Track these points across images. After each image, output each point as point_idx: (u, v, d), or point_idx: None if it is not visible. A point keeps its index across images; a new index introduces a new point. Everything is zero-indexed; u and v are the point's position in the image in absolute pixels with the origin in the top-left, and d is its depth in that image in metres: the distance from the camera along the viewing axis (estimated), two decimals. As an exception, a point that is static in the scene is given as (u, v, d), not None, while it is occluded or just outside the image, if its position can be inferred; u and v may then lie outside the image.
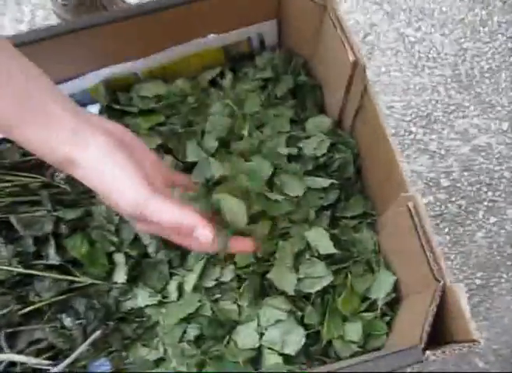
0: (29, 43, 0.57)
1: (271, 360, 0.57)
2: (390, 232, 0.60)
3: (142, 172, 0.42)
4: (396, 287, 0.60)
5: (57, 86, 0.44)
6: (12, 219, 0.56)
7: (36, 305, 0.57)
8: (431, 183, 1.09)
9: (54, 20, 1.15)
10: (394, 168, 0.55)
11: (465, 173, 1.09)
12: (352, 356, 0.57)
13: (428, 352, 0.44)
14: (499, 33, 1.19)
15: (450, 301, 0.48)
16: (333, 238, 0.59)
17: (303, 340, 0.56)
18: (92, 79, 0.68)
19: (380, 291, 0.59)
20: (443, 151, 1.10)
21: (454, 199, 1.07)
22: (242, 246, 0.50)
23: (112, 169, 0.40)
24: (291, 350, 0.56)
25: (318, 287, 0.58)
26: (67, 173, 0.42)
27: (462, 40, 1.18)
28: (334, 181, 0.62)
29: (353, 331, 0.58)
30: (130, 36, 0.62)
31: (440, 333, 0.49)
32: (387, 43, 1.17)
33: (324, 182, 0.61)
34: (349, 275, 0.60)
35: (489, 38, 1.18)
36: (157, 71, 0.69)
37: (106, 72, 0.67)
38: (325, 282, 0.58)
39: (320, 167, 0.64)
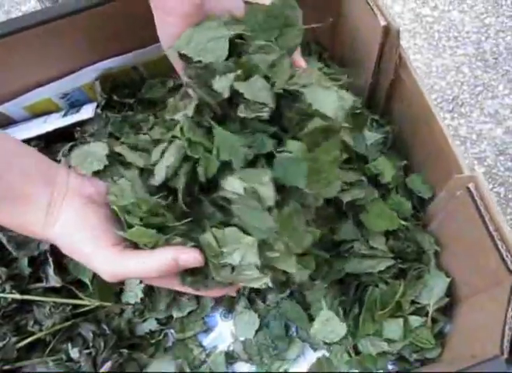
0: (11, 34, 0.50)
1: None
2: (442, 223, 0.51)
3: (109, 233, 0.40)
4: (451, 290, 0.51)
5: (22, 145, 0.41)
6: (2, 237, 0.48)
7: (37, 336, 0.51)
8: (464, 171, 0.99)
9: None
10: (444, 147, 0.47)
11: (501, 158, 1.00)
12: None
13: (516, 365, 0.36)
14: (523, 5, 1.11)
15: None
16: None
17: None
18: (88, 75, 0.61)
19: (431, 295, 0.51)
20: (474, 136, 1.01)
21: (490, 186, 0.98)
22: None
23: (83, 241, 0.40)
24: None
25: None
26: None
27: (484, 15, 1.10)
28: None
29: (394, 328, 0.50)
30: (128, 22, 0.54)
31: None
32: (404, 25, 1.09)
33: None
34: (402, 282, 0.51)
35: (512, 11, 1.10)
36: (160, 63, 0.62)
37: (102, 67, 0.60)
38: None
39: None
